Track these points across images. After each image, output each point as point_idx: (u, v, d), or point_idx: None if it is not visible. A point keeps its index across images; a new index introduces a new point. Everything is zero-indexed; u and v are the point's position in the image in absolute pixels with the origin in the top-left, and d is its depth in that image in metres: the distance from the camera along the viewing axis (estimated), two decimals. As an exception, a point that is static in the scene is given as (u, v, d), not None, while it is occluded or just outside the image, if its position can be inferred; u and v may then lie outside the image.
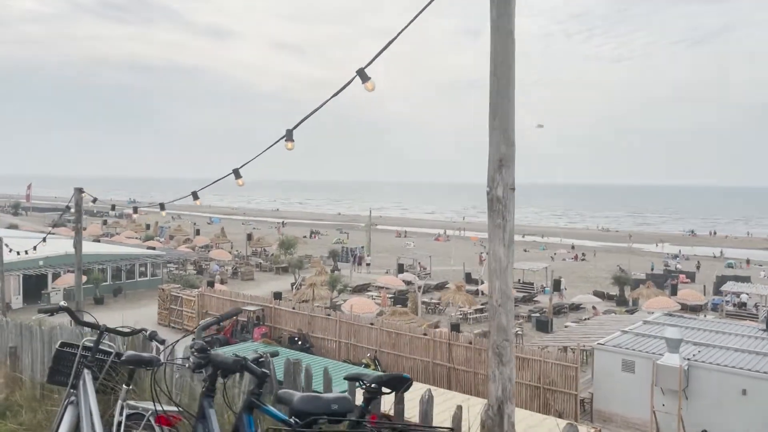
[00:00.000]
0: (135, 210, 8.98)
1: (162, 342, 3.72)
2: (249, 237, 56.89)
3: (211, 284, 33.34)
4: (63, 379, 3.98)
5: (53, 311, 3.84)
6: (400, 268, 47.66)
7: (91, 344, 3.89)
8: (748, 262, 71.08)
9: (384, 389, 2.74)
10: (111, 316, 33.58)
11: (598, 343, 19.98)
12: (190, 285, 34.39)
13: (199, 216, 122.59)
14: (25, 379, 6.73)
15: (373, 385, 2.70)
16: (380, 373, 2.77)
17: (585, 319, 33.07)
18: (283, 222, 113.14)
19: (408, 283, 39.51)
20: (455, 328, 26.41)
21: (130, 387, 3.46)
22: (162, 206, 7.42)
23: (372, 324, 24.38)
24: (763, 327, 22.28)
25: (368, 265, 53.85)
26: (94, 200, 9.64)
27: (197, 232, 70.95)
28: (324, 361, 19.88)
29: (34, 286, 36.47)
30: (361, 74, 4.66)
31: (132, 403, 3.41)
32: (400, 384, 2.72)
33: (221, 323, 3.76)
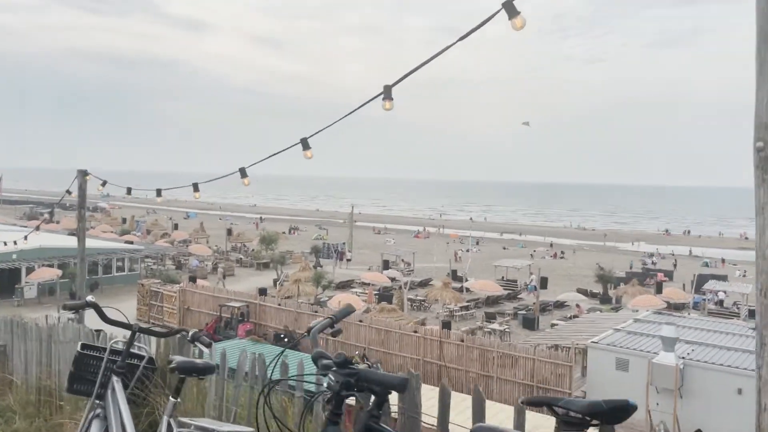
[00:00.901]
0: (129, 191, 8.34)
1: (208, 345, 3.21)
2: (229, 232, 56.01)
3: (193, 279, 32.56)
4: (86, 387, 3.42)
5: (79, 308, 3.28)
6: (386, 265, 47.24)
7: (121, 347, 3.37)
8: (723, 261, 72.09)
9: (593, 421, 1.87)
10: (88, 313, 32.63)
11: (592, 342, 19.78)
12: (170, 280, 33.55)
13: (175, 211, 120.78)
14: (18, 382, 6.15)
15: (574, 413, 1.86)
16: (593, 401, 1.85)
17: (570, 317, 33.00)
18: (261, 218, 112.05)
19: (392, 279, 39.11)
20: (446, 325, 26.07)
21: (178, 400, 2.92)
22: (196, 186, 6.92)
23: (361, 321, 23.93)
24: (752, 326, 22.30)
25: (348, 260, 53.35)
26: (104, 183, 8.97)
27: (175, 227, 69.75)
28: (303, 356, 19.41)
29: (7, 280, 35.30)
30: (387, 91, 4.51)
31: (184, 420, 2.88)
32: (623, 415, 1.84)
33: (334, 325, 2.82)
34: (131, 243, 45.35)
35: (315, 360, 2.23)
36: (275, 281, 40.42)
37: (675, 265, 64.60)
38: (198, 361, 2.86)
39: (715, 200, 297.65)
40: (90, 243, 42.57)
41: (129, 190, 8.22)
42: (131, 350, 3.39)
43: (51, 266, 35.39)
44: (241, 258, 51.04)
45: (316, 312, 25.39)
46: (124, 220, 69.52)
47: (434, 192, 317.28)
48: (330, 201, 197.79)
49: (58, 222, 65.01)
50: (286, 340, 24.67)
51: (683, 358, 18.03)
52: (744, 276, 59.53)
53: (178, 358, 2.88)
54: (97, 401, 3.20)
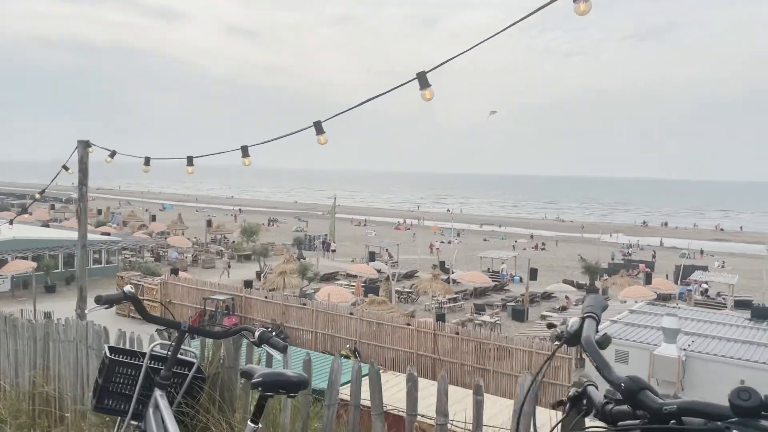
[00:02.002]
0: (147, 161, 7.42)
1: (283, 349, 2.54)
2: (209, 223, 54.83)
3: (175, 272, 31.56)
4: (118, 404, 2.69)
5: (116, 301, 2.56)
6: (371, 256, 46.58)
7: (163, 351, 2.66)
8: (702, 252, 72.75)
9: None
10: (65, 306, 31.43)
11: (591, 333, 19.35)
12: (150, 272, 32.52)
13: (151, 202, 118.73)
14: (6, 387, 5.39)
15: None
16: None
17: (559, 309, 32.76)
18: (239, 209, 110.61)
19: (378, 271, 38.50)
20: (440, 318, 25.54)
21: (259, 425, 2.19)
22: (245, 150, 6.28)
23: (351, 314, 23.27)
24: (747, 316, 22.16)
25: (333, 251, 52.69)
26: (113, 154, 8.12)
27: (153, 218, 68.21)
28: (304, 353, 18.71)
29: (-22, 274, 33.93)
30: (421, 79, 4.31)
31: None
32: None
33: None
34: (108, 234, 44.04)
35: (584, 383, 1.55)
36: (258, 273, 39.54)
37: (654, 256, 65.05)
38: (290, 373, 2.16)
39: (689, 193, 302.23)
40: (65, 234, 41.36)
41: (147, 160, 7.25)
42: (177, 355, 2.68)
43: (25, 258, 34.08)
44: (221, 250, 49.96)
45: (304, 305, 24.66)
46: (99, 212, 67.78)
47: (409, 184, 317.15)
48: (307, 193, 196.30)
49: (30, 213, 63.05)
50: (274, 334, 23.90)
51: (684, 349, 17.72)
52: (723, 266, 60.13)
53: (263, 370, 2.17)
54: (134, 422, 2.51)
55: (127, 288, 2.58)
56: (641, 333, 19.29)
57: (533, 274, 35.82)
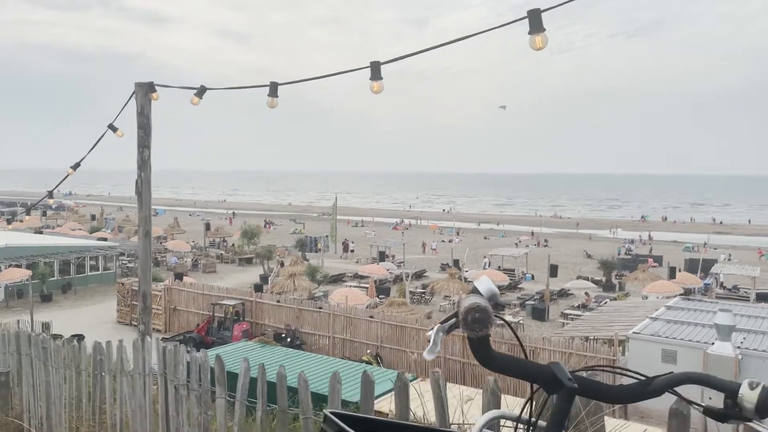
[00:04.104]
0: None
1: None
2: (207, 227, 53.26)
3: (179, 276, 30.10)
4: None
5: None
6: (381, 257, 45.20)
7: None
8: (705, 245, 71.89)
9: None
10: (63, 315, 29.91)
11: (634, 332, 18.15)
12: (153, 278, 30.97)
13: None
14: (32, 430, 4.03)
15: None
16: None
17: (578, 306, 31.55)
18: (233, 213, 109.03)
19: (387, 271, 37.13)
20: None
21: None
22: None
23: (372, 317, 21.94)
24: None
25: (352, 251, 51.61)
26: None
27: (148, 223, 66.44)
28: (327, 360, 17.36)
29: (-29, 284, 32.30)
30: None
31: None
32: None
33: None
34: (105, 240, 42.46)
35: None
36: (262, 277, 38.09)
37: (651, 250, 64.34)
38: None
39: (682, 188, 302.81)
40: (60, 241, 39.75)
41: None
42: None
43: (19, 266, 32.50)
44: (221, 254, 48.41)
45: (320, 308, 23.30)
46: (93, 217, 65.99)
47: (397, 185, 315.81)
48: (298, 196, 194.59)
49: (21, 221, 61.23)
50: (288, 340, 22.54)
51: (738, 347, 16.52)
52: (729, 260, 59.24)
53: None
54: None
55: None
56: (688, 331, 18.09)
57: (553, 270, 34.51)
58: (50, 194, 9.90)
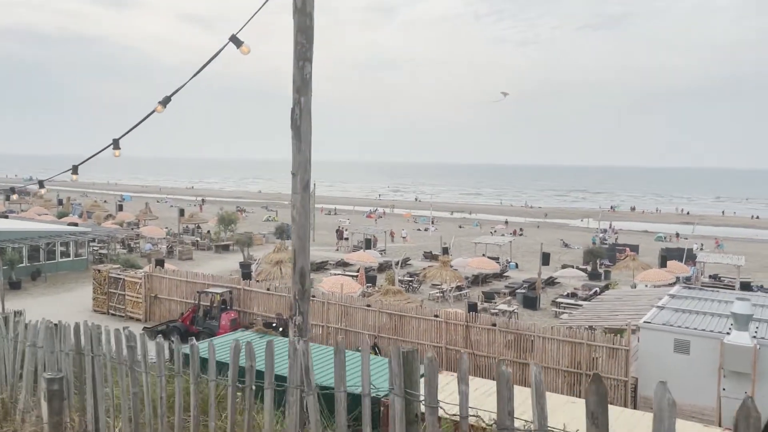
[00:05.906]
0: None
1: None
2: (181, 212, 51.54)
3: (160, 263, 28.71)
4: None
5: None
6: (368, 244, 44.24)
7: None
8: (677, 235, 72.90)
9: None
10: (34, 303, 28.25)
11: (645, 321, 17.66)
12: (130, 265, 29.56)
13: (109, 194, 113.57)
14: None
15: None
16: None
17: (567, 294, 31.20)
18: (202, 200, 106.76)
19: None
20: (472, 308, 23.51)
21: None
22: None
23: (369, 306, 21.07)
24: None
25: (346, 239, 50.47)
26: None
27: (120, 208, 64.31)
28: (329, 350, 16.45)
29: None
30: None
31: None
32: None
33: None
34: (76, 225, 40.61)
35: None
36: (242, 264, 36.84)
37: (616, 239, 65.05)
38: None
39: (645, 179, 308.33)
40: (29, 225, 37.83)
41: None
42: None
43: (-15, 252, 30.68)
44: (197, 240, 46.85)
45: (313, 297, 22.31)
46: (60, 202, 63.50)
47: (367, 174, 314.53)
48: (266, 183, 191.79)
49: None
50: (281, 329, 21.53)
51: (754, 336, 16.14)
52: (701, 249, 59.95)
53: None
54: None
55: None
56: (699, 320, 17.67)
57: (545, 259, 34.02)
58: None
